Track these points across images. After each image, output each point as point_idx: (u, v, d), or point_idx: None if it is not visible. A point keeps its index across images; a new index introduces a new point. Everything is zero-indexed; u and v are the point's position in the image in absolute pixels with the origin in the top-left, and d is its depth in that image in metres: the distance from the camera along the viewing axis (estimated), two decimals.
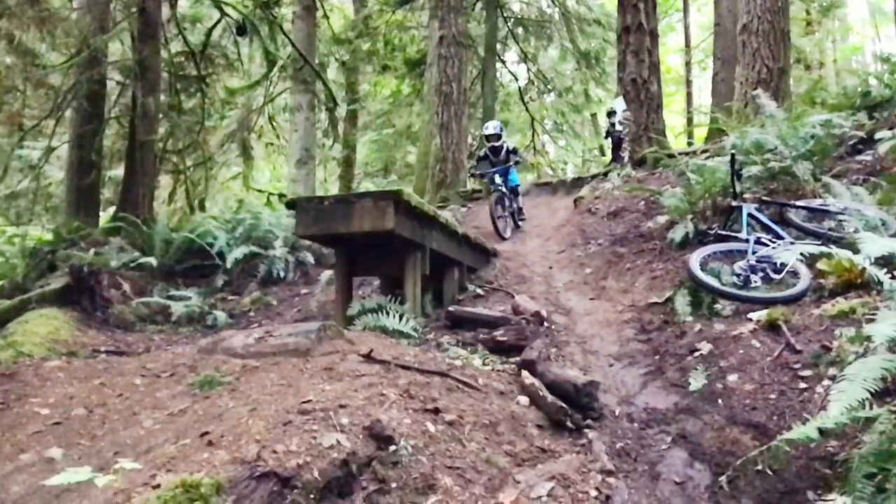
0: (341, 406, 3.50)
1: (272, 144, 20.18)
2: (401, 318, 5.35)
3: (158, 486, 2.86)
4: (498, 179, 10.11)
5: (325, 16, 16.29)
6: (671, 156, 9.81)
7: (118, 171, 16.33)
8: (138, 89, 10.54)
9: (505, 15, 19.15)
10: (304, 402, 3.57)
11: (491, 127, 10.73)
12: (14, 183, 15.25)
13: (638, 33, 12.61)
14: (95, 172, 11.37)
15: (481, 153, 10.76)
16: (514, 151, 10.55)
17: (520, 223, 10.58)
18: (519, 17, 19.77)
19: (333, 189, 19.49)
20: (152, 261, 8.55)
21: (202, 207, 11.97)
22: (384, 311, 5.37)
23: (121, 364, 4.63)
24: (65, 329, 6.12)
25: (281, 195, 17.24)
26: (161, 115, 11.20)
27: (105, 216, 12.19)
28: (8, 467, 3.27)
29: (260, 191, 17.90)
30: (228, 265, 8.59)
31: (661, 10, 19.52)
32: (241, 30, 12.76)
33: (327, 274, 7.55)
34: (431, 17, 14.64)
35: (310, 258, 8.97)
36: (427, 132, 14.26)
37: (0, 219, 14.17)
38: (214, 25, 13.15)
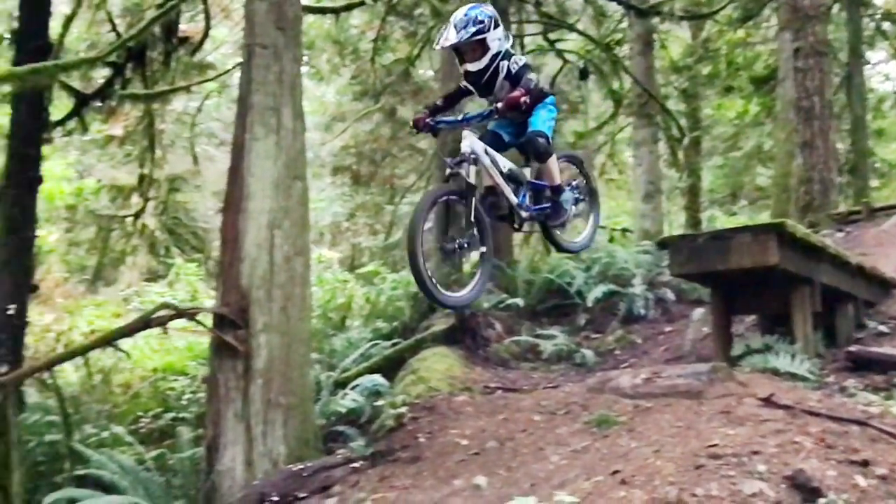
0: (754, 452, 3.35)
1: (613, 180, 20.41)
2: (792, 358, 4.97)
3: None
4: (467, 141, 4.04)
5: (663, 46, 16.14)
6: None
7: None
8: None
9: (870, 12, 17.06)
10: (710, 446, 3.50)
11: (457, 26, 4.06)
12: (392, 235, 17.55)
13: None
14: None
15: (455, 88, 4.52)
16: (522, 73, 4.14)
17: (564, 228, 4.67)
18: (887, 11, 17.43)
19: (678, 221, 18.97)
20: (519, 301, 9.10)
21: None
22: (773, 352, 5.04)
23: (517, 400, 5.01)
24: (456, 366, 6.79)
25: (625, 230, 17.31)
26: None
27: None
28: (445, 490, 3.73)
29: (601, 227, 18.14)
30: (589, 304, 8.80)
31: None
32: (584, 73, 13.17)
33: (699, 311, 7.34)
34: (781, 28, 13.62)
35: (670, 295, 8.81)
36: (784, 152, 13.18)
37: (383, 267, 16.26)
38: (558, 73, 13.81)
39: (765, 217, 14.40)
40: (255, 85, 6.04)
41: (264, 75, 6.09)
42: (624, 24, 14.81)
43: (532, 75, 4.16)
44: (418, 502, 3.63)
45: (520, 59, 4.23)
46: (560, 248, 4.78)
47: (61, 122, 8.75)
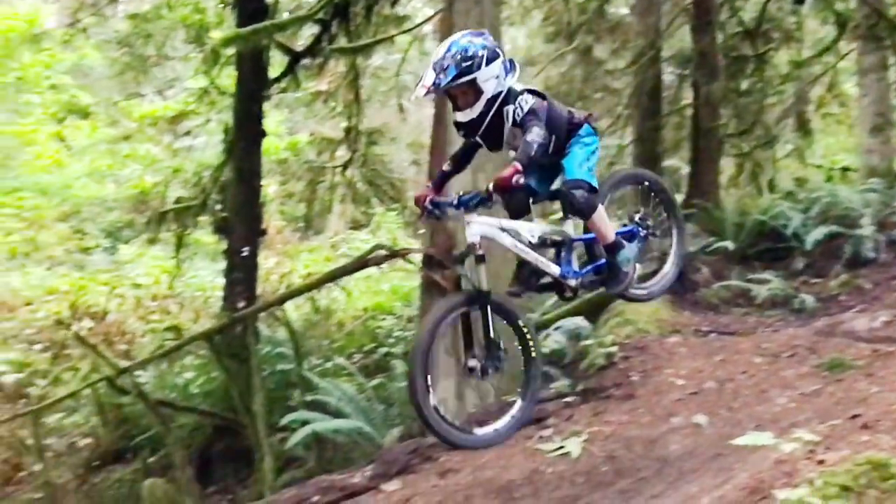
0: None
1: (831, 114, 18.56)
2: None
3: (822, 461, 2.84)
4: (472, 228, 3.26)
5: None
6: None
7: (670, 161, 17.15)
8: (700, 78, 10.80)
9: None
10: None
11: (437, 66, 3.10)
12: None
13: None
14: (658, 165, 12.05)
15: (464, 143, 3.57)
16: (526, 126, 3.13)
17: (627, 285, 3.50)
18: None
19: None
20: (728, 245, 8.65)
21: (771, 188, 11.68)
22: None
23: (734, 343, 4.81)
24: (663, 309, 6.59)
25: (845, 168, 15.72)
26: (722, 100, 11.27)
27: None
28: (663, 427, 3.68)
29: (818, 166, 16.66)
30: (808, 247, 8.20)
31: None
32: None
33: None
34: None
35: None
36: None
37: None
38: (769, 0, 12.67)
39: None
40: (456, 31, 6.07)
41: (465, 21, 6.10)
42: None
43: (534, 134, 3.06)
44: (635, 437, 3.62)
45: (525, 102, 3.16)
46: (629, 299, 3.72)
47: (277, 80, 9.42)
